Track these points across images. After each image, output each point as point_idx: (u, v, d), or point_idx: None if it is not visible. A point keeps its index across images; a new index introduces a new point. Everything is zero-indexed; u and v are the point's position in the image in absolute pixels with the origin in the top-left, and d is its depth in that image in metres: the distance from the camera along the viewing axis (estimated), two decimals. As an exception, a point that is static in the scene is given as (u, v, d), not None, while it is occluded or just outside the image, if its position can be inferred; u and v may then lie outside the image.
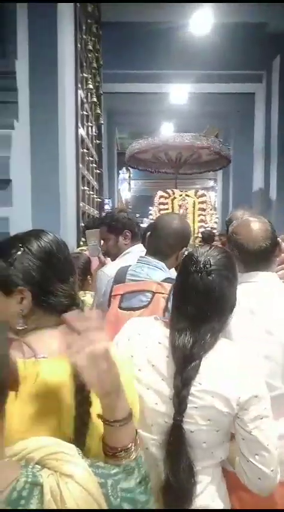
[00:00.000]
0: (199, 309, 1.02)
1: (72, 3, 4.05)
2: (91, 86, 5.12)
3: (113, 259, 2.08)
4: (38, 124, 3.18)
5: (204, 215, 6.34)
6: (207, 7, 6.69)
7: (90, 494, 0.62)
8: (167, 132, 11.14)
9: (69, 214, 3.69)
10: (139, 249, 1.95)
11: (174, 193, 6.41)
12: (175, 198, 6.37)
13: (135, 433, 0.78)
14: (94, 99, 5.48)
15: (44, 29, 3.21)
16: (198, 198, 6.39)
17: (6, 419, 0.63)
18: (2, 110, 2.79)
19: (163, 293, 1.43)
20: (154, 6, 6.63)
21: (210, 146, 6.68)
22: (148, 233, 1.78)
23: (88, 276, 2.41)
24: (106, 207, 8.33)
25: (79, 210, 4.23)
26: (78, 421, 0.77)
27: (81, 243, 3.91)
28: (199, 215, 6.33)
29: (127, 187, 16.18)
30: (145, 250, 1.88)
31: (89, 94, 5.18)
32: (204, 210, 6.36)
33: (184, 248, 1.62)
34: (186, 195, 6.41)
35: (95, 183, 5.73)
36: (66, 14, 3.70)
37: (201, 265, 1.03)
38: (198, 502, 0.99)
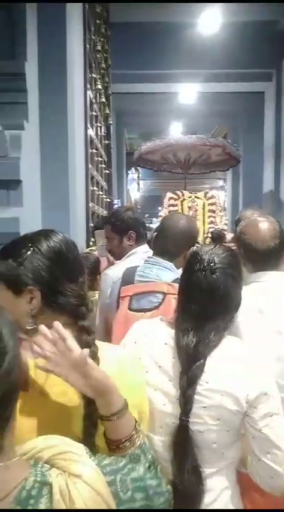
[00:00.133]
0: (203, 308, 1.01)
1: (81, 4, 4.06)
2: (100, 87, 5.13)
3: (117, 259, 2.05)
4: (47, 125, 3.19)
5: (214, 217, 6.31)
6: (216, 6, 6.66)
7: (99, 494, 0.62)
8: (176, 132, 11.13)
9: (78, 215, 3.70)
10: (144, 250, 1.92)
11: (183, 195, 6.39)
12: (184, 199, 6.35)
13: (134, 420, 0.79)
14: (103, 100, 5.49)
15: (53, 30, 3.23)
16: (207, 200, 6.36)
17: (17, 419, 0.63)
18: (11, 111, 2.81)
19: (174, 294, 1.40)
20: (163, 6, 6.62)
21: (220, 145, 6.66)
22: (155, 234, 1.75)
23: (98, 276, 2.42)
24: (116, 207, 8.33)
25: (88, 210, 4.23)
26: (87, 421, 0.77)
27: (91, 243, 3.92)
28: (209, 217, 6.30)
29: (136, 187, 16.18)
30: (150, 250, 1.85)
31: (98, 94, 5.19)
32: (213, 211, 6.33)
33: (192, 248, 1.61)
34: (196, 197, 6.38)
35: (104, 183, 5.74)
36: (74, 15, 3.71)
37: (205, 264, 1.02)
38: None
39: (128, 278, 1.59)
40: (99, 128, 5.28)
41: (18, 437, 0.64)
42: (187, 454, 0.96)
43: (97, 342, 0.85)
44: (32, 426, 0.75)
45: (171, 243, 1.59)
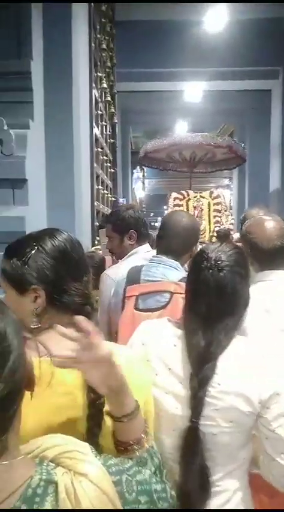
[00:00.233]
0: (211, 307, 0.99)
1: (86, 3, 4.06)
2: (105, 85, 5.13)
3: (118, 259, 2.02)
4: (52, 124, 3.20)
5: (220, 216, 6.29)
6: (221, 4, 6.63)
7: (105, 493, 0.61)
8: (182, 130, 11.11)
9: (83, 214, 3.71)
10: (145, 250, 1.89)
11: (188, 195, 6.37)
12: (189, 199, 6.33)
13: (144, 423, 0.78)
14: (109, 98, 5.49)
15: (59, 30, 3.23)
16: (213, 199, 6.34)
17: (21, 419, 0.63)
18: (17, 110, 2.82)
19: (181, 293, 1.38)
20: (168, 4, 6.61)
21: (226, 145, 6.63)
22: (157, 233, 1.72)
23: (103, 275, 2.42)
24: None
25: (93, 209, 4.24)
26: (91, 421, 0.77)
27: (96, 242, 3.93)
28: (215, 216, 6.28)
29: (141, 186, 16.16)
30: (151, 250, 1.83)
31: (103, 93, 5.19)
32: (219, 211, 6.31)
33: (197, 245, 1.60)
34: (201, 196, 6.36)
35: (109, 182, 5.74)
36: (80, 14, 3.71)
37: (212, 262, 1.00)
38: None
39: (133, 278, 1.57)
40: (104, 127, 5.28)
41: (23, 437, 0.64)
42: (196, 455, 0.95)
43: (104, 342, 0.85)
44: (37, 425, 0.74)
45: (176, 241, 1.58)
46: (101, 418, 0.77)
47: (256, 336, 1.21)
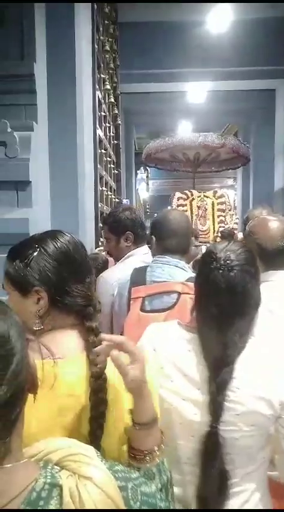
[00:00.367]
0: (223, 308, 0.97)
1: (89, 5, 4.07)
2: (108, 87, 5.13)
3: (116, 261, 1.99)
4: (56, 125, 3.20)
5: (224, 216, 6.28)
6: (225, 4, 6.62)
7: (110, 498, 0.61)
8: (185, 131, 11.09)
9: (87, 215, 3.71)
10: (143, 252, 1.86)
11: (192, 195, 6.37)
12: (193, 199, 6.33)
13: (160, 438, 0.78)
14: (112, 100, 5.50)
15: (62, 31, 3.24)
16: (216, 199, 6.34)
17: (24, 421, 0.63)
18: (21, 112, 2.83)
19: (189, 293, 1.36)
20: (171, 5, 6.60)
21: (228, 145, 6.62)
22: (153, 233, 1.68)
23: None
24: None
25: (97, 210, 4.24)
26: (93, 424, 0.77)
27: (100, 243, 3.93)
28: (219, 216, 6.27)
29: (145, 187, 16.17)
30: (150, 251, 1.79)
31: (107, 95, 5.20)
32: (223, 210, 6.30)
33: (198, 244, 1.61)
34: (205, 196, 6.35)
35: (113, 183, 5.74)
36: (83, 16, 3.72)
37: (222, 261, 0.97)
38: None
39: (138, 279, 1.54)
40: (107, 128, 5.28)
41: (26, 439, 0.64)
42: (215, 460, 0.93)
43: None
44: (40, 428, 0.74)
45: (179, 240, 1.56)
46: (104, 420, 0.77)
47: (262, 337, 1.20)
